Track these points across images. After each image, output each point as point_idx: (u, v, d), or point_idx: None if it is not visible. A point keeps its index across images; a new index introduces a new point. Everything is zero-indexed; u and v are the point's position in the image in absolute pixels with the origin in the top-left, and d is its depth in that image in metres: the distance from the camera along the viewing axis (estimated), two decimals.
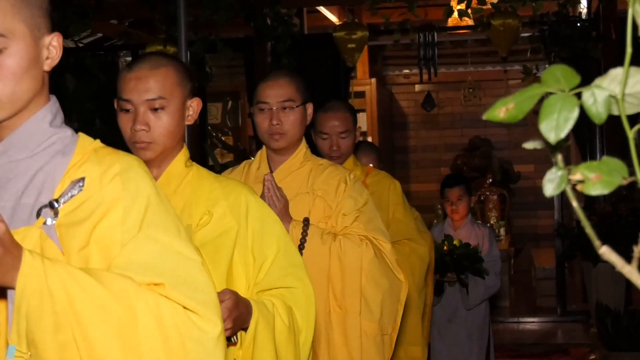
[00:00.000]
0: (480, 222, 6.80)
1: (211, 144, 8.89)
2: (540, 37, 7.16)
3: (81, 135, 1.59)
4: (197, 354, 1.45)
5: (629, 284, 6.44)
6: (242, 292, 2.08)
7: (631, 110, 0.76)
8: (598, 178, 0.73)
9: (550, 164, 0.77)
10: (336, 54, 7.13)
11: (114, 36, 8.00)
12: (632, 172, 0.75)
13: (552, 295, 8.28)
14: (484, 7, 6.55)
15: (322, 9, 8.44)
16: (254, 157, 2.98)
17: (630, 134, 0.73)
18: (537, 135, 0.77)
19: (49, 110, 1.56)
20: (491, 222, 9.44)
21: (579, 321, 7.70)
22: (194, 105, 2.20)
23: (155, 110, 2.13)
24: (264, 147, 2.90)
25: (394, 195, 3.71)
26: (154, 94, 2.12)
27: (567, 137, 0.76)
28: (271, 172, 2.83)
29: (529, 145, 0.81)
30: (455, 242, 4.80)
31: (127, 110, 2.15)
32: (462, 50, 10.65)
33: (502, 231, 9.28)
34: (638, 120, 0.79)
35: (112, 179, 1.50)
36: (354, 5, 8.04)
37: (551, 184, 0.75)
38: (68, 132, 1.57)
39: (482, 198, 9.87)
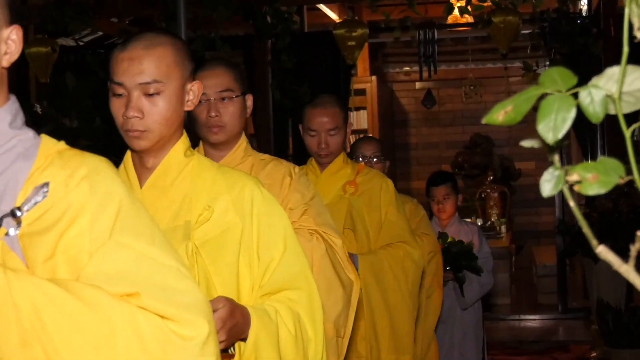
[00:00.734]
0: (468, 219, 6.76)
1: None
2: (540, 34, 7.14)
3: (44, 136, 1.43)
4: None
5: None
6: (246, 295, 1.92)
7: (628, 109, 0.76)
8: (595, 178, 0.72)
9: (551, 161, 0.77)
10: (336, 51, 7.12)
11: (114, 34, 7.99)
12: (629, 171, 0.75)
13: (553, 293, 8.29)
14: (484, 4, 6.54)
15: (322, 7, 8.45)
16: None
17: (627, 132, 0.73)
18: (537, 132, 0.77)
19: (8, 111, 1.39)
20: (492, 219, 9.45)
21: (580, 318, 7.70)
22: (195, 89, 1.97)
23: (150, 95, 1.89)
24: (201, 143, 2.66)
25: (386, 195, 3.44)
26: (148, 77, 1.89)
27: (566, 136, 0.75)
28: None
29: (527, 143, 0.81)
30: (449, 240, 4.63)
31: (119, 95, 1.91)
32: (462, 47, 10.65)
33: (503, 228, 9.28)
34: (638, 118, 0.79)
35: (78, 183, 1.35)
36: (354, 3, 8.02)
37: (548, 184, 0.75)
38: (30, 133, 1.41)
39: (482, 195, 9.88)
